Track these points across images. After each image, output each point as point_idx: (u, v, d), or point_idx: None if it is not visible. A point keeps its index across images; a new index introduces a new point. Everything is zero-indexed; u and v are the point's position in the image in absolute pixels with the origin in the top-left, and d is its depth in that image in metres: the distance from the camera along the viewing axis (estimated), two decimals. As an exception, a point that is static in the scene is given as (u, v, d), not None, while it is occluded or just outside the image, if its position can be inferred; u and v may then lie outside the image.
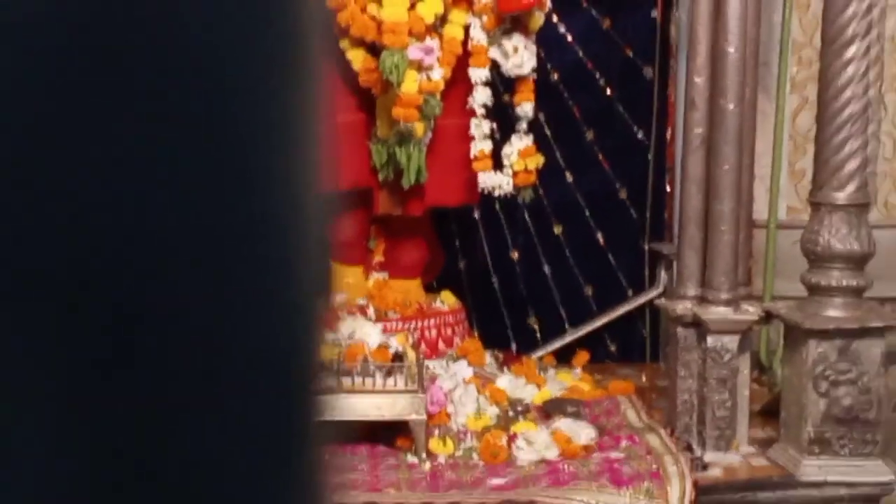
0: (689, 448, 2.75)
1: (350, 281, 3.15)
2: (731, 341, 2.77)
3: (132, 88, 0.34)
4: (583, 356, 3.34)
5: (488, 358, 3.13)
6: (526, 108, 3.08)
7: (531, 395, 2.93)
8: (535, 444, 2.66)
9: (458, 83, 2.99)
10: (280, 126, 0.38)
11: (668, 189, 3.53)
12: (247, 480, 0.38)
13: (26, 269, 0.34)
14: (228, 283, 0.37)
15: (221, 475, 0.38)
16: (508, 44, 3.00)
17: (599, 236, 3.57)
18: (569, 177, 3.51)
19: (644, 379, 3.29)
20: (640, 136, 3.55)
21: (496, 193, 3.07)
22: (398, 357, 2.73)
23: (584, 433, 2.71)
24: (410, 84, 2.88)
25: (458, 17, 2.95)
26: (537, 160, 3.08)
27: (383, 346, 2.76)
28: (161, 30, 0.34)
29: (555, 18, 3.35)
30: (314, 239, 0.40)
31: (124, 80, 0.34)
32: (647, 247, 3.59)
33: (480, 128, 3.02)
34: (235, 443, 0.38)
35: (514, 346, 3.49)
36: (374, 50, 2.92)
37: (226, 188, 0.36)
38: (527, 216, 3.52)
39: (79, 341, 0.35)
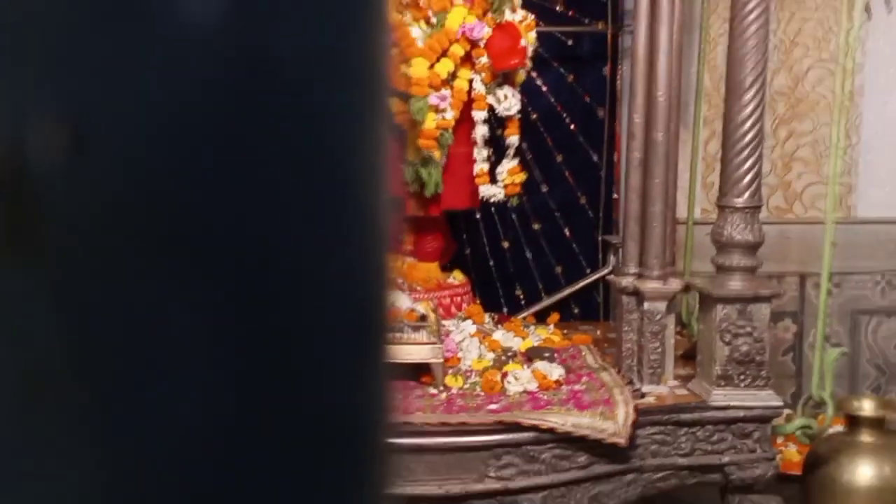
0: (631, 382, 2.74)
1: (388, 263, 3.17)
2: (661, 305, 2.76)
3: (285, 138, 0.36)
4: (554, 316, 3.34)
5: (487, 318, 3.13)
6: (513, 139, 3.08)
7: (518, 344, 2.94)
8: (520, 379, 2.66)
9: (465, 121, 2.98)
10: (367, 151, 0.39)
11: (615, 196, 3.53)
12: (340, 391, 0.38)
13: (214, 245, 0.35)
14: (337, 257, 0.37)
15: (323, 389, 0.38)
16: (500, 93, 3.01)
17: (566, 230, 3.57)
18: (544, 188, 3.52)
19: (599, 333, 3.28)
20: (595, 159, 3.55)
21: (492, 200, 3.08)
22: (422, 318, 2.73)
23: (555, 372, 2.71)
24: (430, 122, 2.88)
25: (464, 73, 2.95)
26: (521, 176, 3.08)
27: (412, 310, 2.77)
28: (290, 100, 0.36)
29: (534, 74, 3.35)
30: (388, 227, 0.40)
31: (279, 134, 0.36)
32: (600, 238, 3.58)
33: (481, 153, 3.03)
34: (334, 365, 0.38)
35: (505, 310, 3.50)
36: (405, 98, 2.91)
37: (334, 192, 0.37)
38: (514, 216, 3.53)
39: (234, 295, 0.35)
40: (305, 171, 0.36)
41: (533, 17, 3.04)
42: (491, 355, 2.82)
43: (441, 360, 2.66)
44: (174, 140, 0.34)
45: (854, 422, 2.88)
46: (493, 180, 3.04)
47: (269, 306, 0.36)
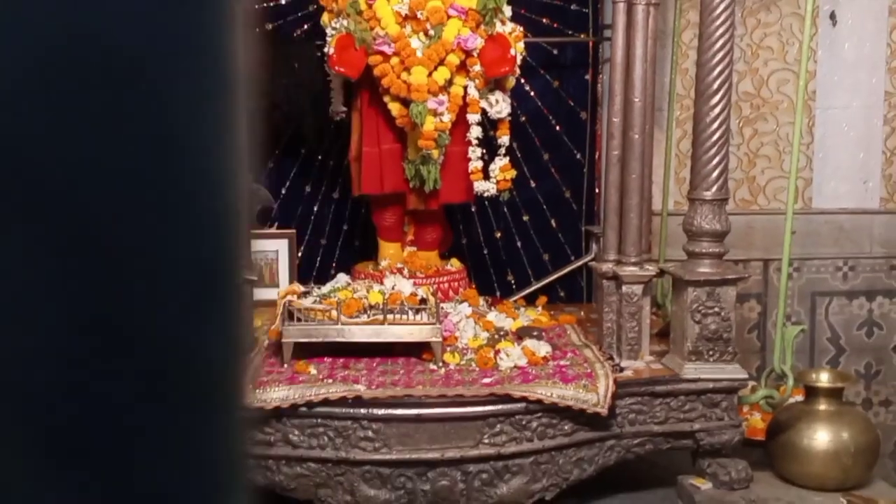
0: (611, 358, 2.75)
1: (392, 252, 3.17)
2: (638, 288, 2.77)
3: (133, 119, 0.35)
4: (542, 299, 3.34)
5: (481, 301, 3.13)
6: (504, 139, 3.07)
7: (509, 324, 2.94)
8: (511, 356, 2.67)
9: (460, 123, 2.98)
10: (217, 140, 0.38)
11: (596, 190, 3.53)
12: (181, 334, 0.38)
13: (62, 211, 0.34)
14: (177, 210, 0.37)
15: (163, 330, 0.37)
16: (492, 97, 3.00)
17: (552, 222, 3.57)
18: (532, 183, 3.51)
19: (582, 314, 3.28)
20: (578, 156, 3.54)
21: (486, 194, 3.07)
22: (423, 301, 2.73)
23: (543, 349, 2.71)
24: (429, 124, 2.88)
25: (460, 80, 2.95)
26: (512, 173, 3.07)
27: (413, 294, 2.77)
28: (146, 97, 0.36)
29: (522, 81, 3.34)
30: (241, 203, 0.39)
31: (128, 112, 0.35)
32: (583, 228, 3.58)
33: (475, 152, 3.02)
34: (175, 309, 0.37)
35: (498, 293, 3.49)
36: (406, 102, 2.91)
37: (165, 146, 0.36)
38: (505, 209, 3.52)
39: (71, 252, 0.35)
40: (138, 136, 0.36)
41: (521, 28, 3.04)
42: (485, 334, 2.82)
43: (440, 339, 2.66)
44: (5, 105, 0.34)
45: (812, 392, 2.88)
46: (487, 177, 3.04)
47: (107, 253, 0.35)
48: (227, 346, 0.39)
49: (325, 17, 3.03)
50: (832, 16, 3.50)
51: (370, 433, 2.46)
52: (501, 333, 2.84)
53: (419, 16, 2.89)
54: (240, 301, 0.40)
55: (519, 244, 3.56)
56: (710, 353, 2.66)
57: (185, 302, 0.37)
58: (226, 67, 0.38)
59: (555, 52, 3.49)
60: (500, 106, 3.01)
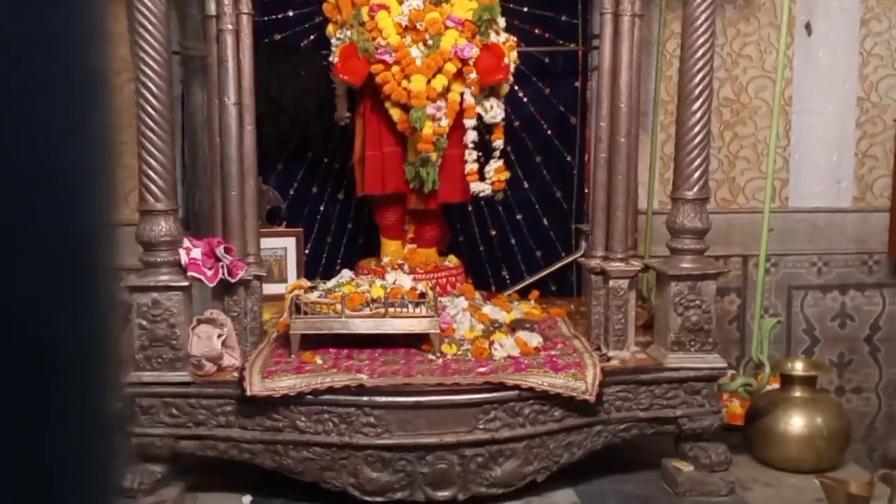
0: (598, 348, 2.76)
1: (393, 250, 3.18)
2: (624, 283, 2.77)
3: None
4: (535, 293, 3.34)
5: (477, 295, 3.13)
6: (499, 142, 3.08)
7: (503, 317, 2.95)
8: (505, 346, 2.68)
9: (457, 128, 2.99)
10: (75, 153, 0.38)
11: (585, 191, 3.52)
12: (52, 310, 0.38)
13: None
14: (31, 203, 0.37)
15: (39, 310, 0.37)
16: (487, 103, 3.01)
17: (544, 220, 3.57)
18: (525, 184, 3.51)
19: (572, 307, 3.28)
20: (568, 159, 3.54)
21: (481, 195, 3.08)
22: (422, 295, 2.74)
23: (535, 340, 2.72)
24: (428, 129, 2.89)
25: (457, 87, 2.95)
26: (506, 174, 3.09)
27: (413, 289, 2.78)
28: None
29: (516, 87, 3.34)
30: (106, 195, 0.39)
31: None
32: (573, 226, 3.58)
33: (471, 155, 3.03)
34: (45, 277, 0.37)
35: (493, 287, 3.49)
36: (406, 108, 2.93)
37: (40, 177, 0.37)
38: (500, 208, 3.52)
39: None
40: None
41: (514, 38, 3.05)
42: (480, 326, 2.83)
43: (438, 331, 2.68)
44: None
45: (788, 380, 2.90)
46: (482, 178, 3.04)
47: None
48: (95, 325, 0.39)
49: (330, 28, 3.04)
50: (807, 26, 3.52)
51: (372, 419, 2.48)
52: (496, 325, 2.85)
53: (418, 27, 2.91)
54: (105, 282, 0.39)
55: (513, 241, 3.56)
56: (692, 343, 2.67)
57: (52, 286, 0.37)
58: (83, 64, 0.37)
59: (546, 60, 3.49)
60: (494, 111, 3.02)
